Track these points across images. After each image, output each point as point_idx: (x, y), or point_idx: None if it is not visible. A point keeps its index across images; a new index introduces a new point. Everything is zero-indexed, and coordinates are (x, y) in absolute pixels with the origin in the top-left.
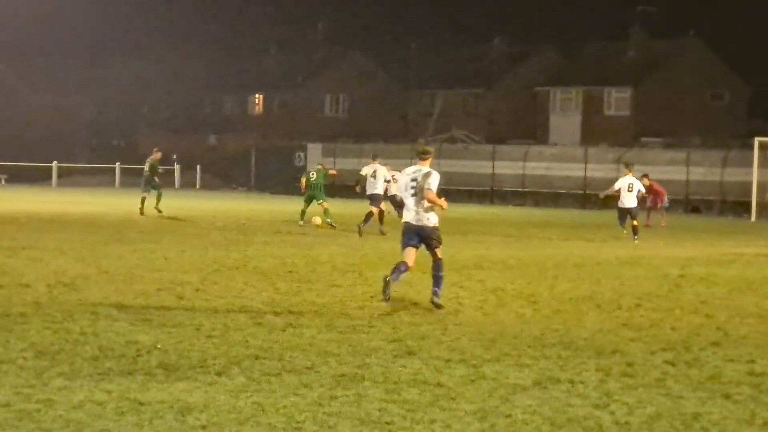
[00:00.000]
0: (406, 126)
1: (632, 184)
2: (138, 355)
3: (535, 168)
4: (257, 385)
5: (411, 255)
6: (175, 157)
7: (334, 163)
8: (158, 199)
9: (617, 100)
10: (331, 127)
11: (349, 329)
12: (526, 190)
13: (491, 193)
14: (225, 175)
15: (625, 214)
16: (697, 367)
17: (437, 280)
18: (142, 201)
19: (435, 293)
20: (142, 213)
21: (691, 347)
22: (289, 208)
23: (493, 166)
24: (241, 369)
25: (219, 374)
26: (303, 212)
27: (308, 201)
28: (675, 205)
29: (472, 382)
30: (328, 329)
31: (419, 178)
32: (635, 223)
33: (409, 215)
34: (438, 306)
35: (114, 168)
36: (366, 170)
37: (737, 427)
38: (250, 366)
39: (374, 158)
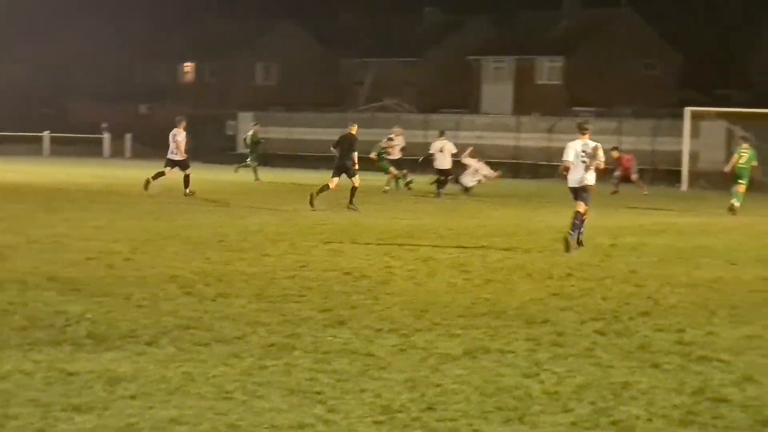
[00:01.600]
0: (338, 95)
1: None
2: (67, 325)
3: (467, 137)
4: (187, 355)
5: (580, 206)
6: (104, 125)
7: (266, 131)
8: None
9: (549, 70)
10: (263, 96)
11: (279, 299)
12: (458, 159)
13: (423, 163)
14: (156, 144)
15: None
16: (626, 336)
17: (576, 226)
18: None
19: (578, 239)
20: (257, 179)
21: (621, 317)
22: (221, 177)
23: (425, 135)
24: (170, 339)
25: (148, 344)
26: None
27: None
28: (608, 174)
29: (402, 352)
30: (258, 299)
31: (588, 150)
32: None
33: (574, 179)
34: (578, 243)
35: (42, 137)
36: (434, 147)
37: (666, 396)
38: (179, 336)
39: (441, 134)
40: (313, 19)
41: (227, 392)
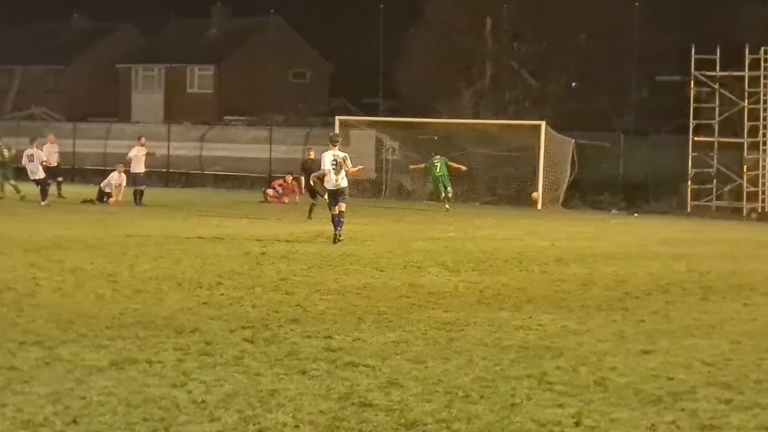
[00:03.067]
0: None
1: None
2: None
3: (118, 146)
4: None
5: (336, 207)
6: None
7: None
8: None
9: (200, 78)
10: None
11: None
12: (108, 168)
13: (72, 172)
14: None
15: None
16: (275, 343)
17: (339, 224)
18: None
19: (338, 233)
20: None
21: (271, 324)
22: None
23: (73, 144)
24: None
25: None
26: None
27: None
28: (259, 182)
29: (46, 365)
30: None
31: (338, 159)
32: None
33: (330, 184)
34: (338, 239)
35: None
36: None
37: (313, 402)
38: None
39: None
40: None
41: None
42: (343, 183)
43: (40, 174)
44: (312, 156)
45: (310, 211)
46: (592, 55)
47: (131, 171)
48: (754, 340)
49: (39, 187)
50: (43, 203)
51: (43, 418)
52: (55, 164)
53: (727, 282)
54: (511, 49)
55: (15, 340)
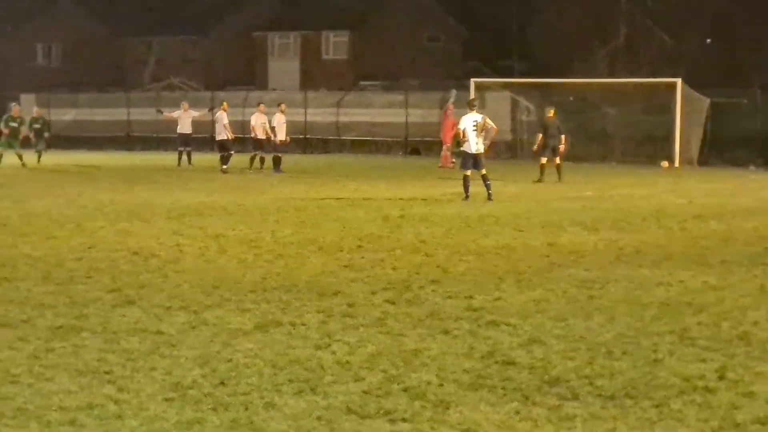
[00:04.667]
0: (123, 74)
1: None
2: None
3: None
4: None
5: (469, 172)
6: None
7: (49, 113)
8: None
9: (335, 44)
10: (45, 77)
11: (66, 281)
12: (246, 135)
13: (211, 140)
14: None
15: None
16: (417, 304)
17: (488, 186)
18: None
19: (489, 194)
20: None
21: (412, 286)
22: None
23: (212, 111)
24: None
25: None
26: None
27: None
28: (396, 146)
29: (192, 329)
30: (44, 281)
31: (479, 120)
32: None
33: (470, 146)
34: (490, 197)
35: None
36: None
37: (456, 361)
38: None
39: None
40: None
41: (14, 376)
42: (482, 148)
43: (222, 135)
44: (552, 114)
45: (542, 172)
46: (727, 9)
47: (272, 138)
48: None
49: (219, 149)
50: (224, 166)
51: (192, 381)
52: (189, 131)
53: None
54: (645, 7)
55: (161, 306)
